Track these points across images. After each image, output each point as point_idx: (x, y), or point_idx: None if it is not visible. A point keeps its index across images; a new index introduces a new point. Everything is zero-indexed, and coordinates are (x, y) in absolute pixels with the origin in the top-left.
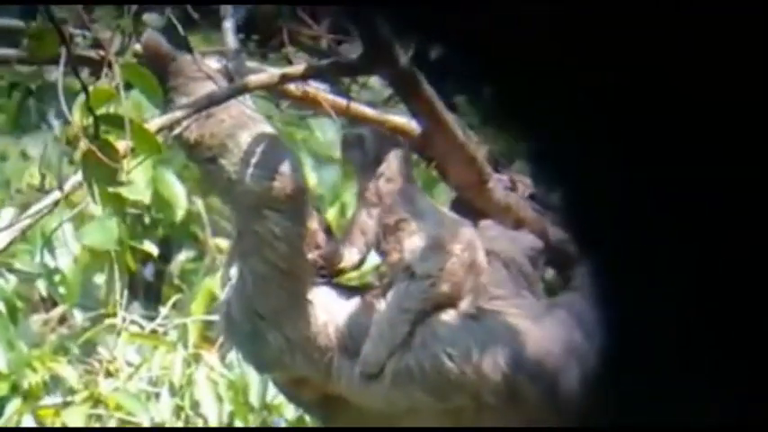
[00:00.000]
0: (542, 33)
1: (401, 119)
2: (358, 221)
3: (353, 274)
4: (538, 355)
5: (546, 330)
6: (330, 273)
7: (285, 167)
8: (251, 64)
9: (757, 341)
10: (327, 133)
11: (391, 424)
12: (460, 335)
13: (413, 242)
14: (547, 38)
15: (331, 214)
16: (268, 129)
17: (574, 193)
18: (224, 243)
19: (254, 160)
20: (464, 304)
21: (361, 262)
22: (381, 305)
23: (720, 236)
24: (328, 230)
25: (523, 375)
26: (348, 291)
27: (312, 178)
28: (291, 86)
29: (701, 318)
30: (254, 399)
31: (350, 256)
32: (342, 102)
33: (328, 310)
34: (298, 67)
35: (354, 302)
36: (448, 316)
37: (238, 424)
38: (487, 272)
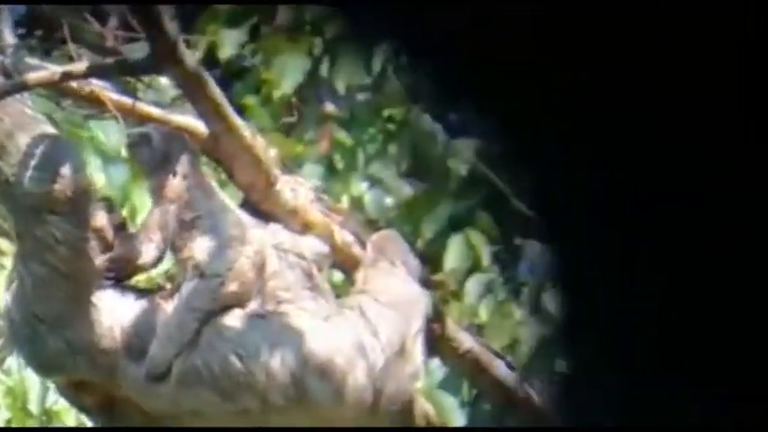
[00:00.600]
0: (519, 33)
1: (188, 120)
2: (154, 218)
3: (152, 272)
4: (326, 354)
5: (334, 330)
6: (125, 272)
7: (66, 169)
8: (32, 61)
9: (738, 340)
10: (113, 133)
11: (176, 425)
12: (249, 335)
13: (204, 241)
14: (523, 38)
15: (121, 215)
16: (49, 129)
17: (553, 193)
18: (4, 243)
19: (33, 162)
20: (252, 305)
21: (160, 259)
22: (170, 306)
23: (701, 235)
24: (122, 227)
25: (311, 374)
26: (137, 292)
27: (100, 178)
28: (74, 85)
29: (682, 317)
30: (33, 405)
31: (147, 253)
32: (127, 101)
33: (114, 312)
34: (80, 65)
35: (142, 303)
36: (236, 316)
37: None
38: (277, 274)
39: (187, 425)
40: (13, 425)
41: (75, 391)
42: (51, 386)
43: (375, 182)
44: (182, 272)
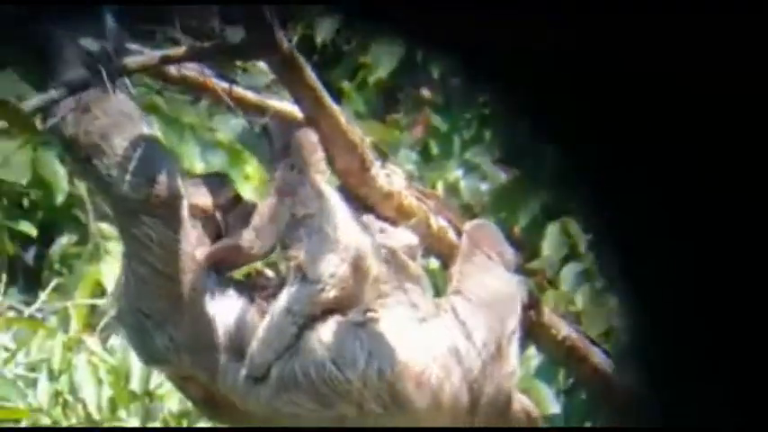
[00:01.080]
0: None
1: (284, 104)
2: (269, 209)
3: (257, 264)
4: (422, 361)
5: (429, 335)
6: (234, 261)
7: (161, 173)
8: (132, 46)
9: (755, 341)
10: (214, 121)
11: (272, 425)
12: (347, 343)
13: (311, 242)
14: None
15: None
16: (144, 129)
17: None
18: (107, 228)
19: (130, 166)
20: (353, 312)
21: (271, 250)
22: (271, 306)
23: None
24: (234, 204)
25: (407, 382)
26: (238, 286)
27: (199, 165)
28: (173, 70)
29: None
30: (135, 385)
31: (258, 244)
32: (224, 86)
33: (216, 309)
34: (179, 50)
35: (243, 302)
36: (335, 323)
37: (120, 410)
38: (379, 279)
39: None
40: (117, 404)
41: (180, 383)
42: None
43: (470, 168)
44: (286, 269)
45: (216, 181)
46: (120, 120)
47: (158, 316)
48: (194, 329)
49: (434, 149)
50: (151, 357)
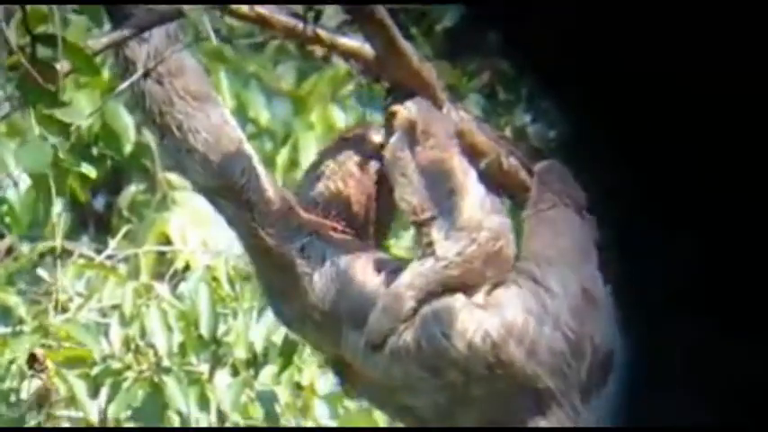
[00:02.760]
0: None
1: (355, 43)
2: (416, 183)
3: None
4: (520, 321)
5: (519, 299)
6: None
7: (228, 163)
8: None
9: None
10: (277, 69)
11: (391, 396)
12: (461, 319)
13: (443, 219)
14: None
15: (283, 154)
16: (219, 113)
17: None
18: (174, 178)
19: (201, 154)
20: (476, 295)
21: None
22: (393, 277)
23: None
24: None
25: (509, 342)
26: (358, 249)
27: (264, 115)
28: (244, 8)
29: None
30: (204, 331)
31: (421, 210)
32: (295, 23)
33: (336, 277)
34: None
35: (368, 270)
36: (455, 301)
37: (190, 356)
38: (508, 260)
39: (399, 396)
40: (187, 349)
41: (317, 347)
42: (221, 315)
43: (538, 114)
44: (419, 242)
45: (350, 145)
46: (192, 103)
47: (277, 290)
48: (312, 301)
49: (501, 95)
50: (286, 326)
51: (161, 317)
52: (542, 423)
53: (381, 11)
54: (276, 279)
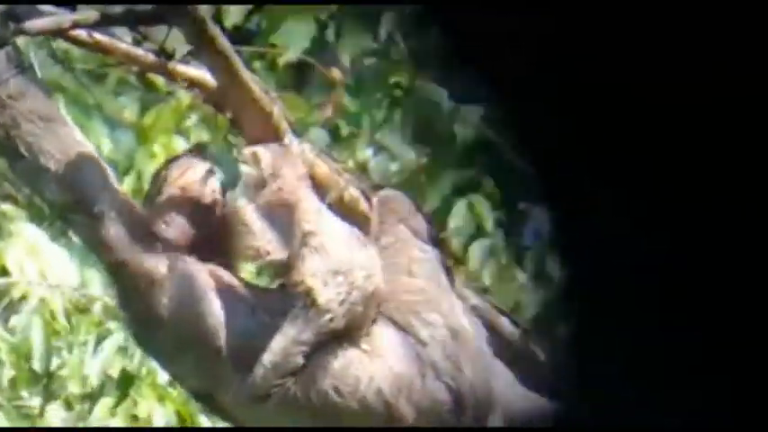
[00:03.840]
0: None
1: (198, 72)
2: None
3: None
4: (408, 375)
5: (405, 350)
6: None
7: (82, 179)
8: (44, 7)
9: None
10: (120, 100)
11: None
12: (350, 370)
13: (315, 262)
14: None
15: (127, 183)
16: (63, 131)
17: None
18: (9, 208)
19: (49, 174)
20: (359, 339)
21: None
22: (276, 327)
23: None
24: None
25: (400, 398)
26: (243, 293)
27: (106, 144)
28: (83, 35)
29: (678, 280)
30: (36, 365)
31: (277, 251)
32: (137, 52)
33: (221, 315)
34: (90, 14)
35: (248, 312)
36: (340, 347)
37: (20, 390)
38: (385, 296)
39: None
40: (18, 383)
41: (177, 378)
42: (55, 349)
43: (380, 148)
44: (292, 290)
45: (191, 156)
46: (42, 125)
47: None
48: (195, 335)
49: (344, 129)
50: (159, 360)
51: None
52: None
53: (222, 40)
54: (141, 303)
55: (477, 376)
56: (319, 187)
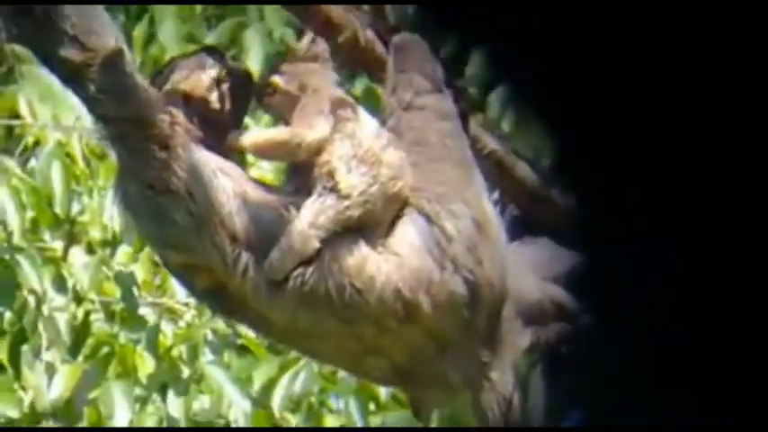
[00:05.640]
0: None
1: None
2: (306, 106)
3: None
4: (427, 269)
5: (419, 243)
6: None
7: (96, 27)
8: None
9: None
10: None
11: (290, 336)
12: (366, 266)
13: (344, 146)
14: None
15: (140, 28)
16: None
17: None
18: (22, 50)
19: (65, 23)
20: (375, 234)
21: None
22: (296, 211)
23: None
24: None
25: (419, 294)
26: (256, 186)
27: None
28: None
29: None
30: (58, 209)
31: (308, 139)
32: None
33: (237, 199)
34: None
35: (268, 198)
36: (360, 247)
37: (43, 234)
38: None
39: (300, 340)
40: (40, 226)
41: (187, 273)
42: (75, 193)
43: None
44: (317, 171)
45: (202, 58)
46: None
47: (171, 186)
48: (216, 208)
49: None
50: (165, 240)
51: (11, 193)
52: (451, 369)
53: None
54: (152, 169)
55: (495, 269)
56: (333, 28)
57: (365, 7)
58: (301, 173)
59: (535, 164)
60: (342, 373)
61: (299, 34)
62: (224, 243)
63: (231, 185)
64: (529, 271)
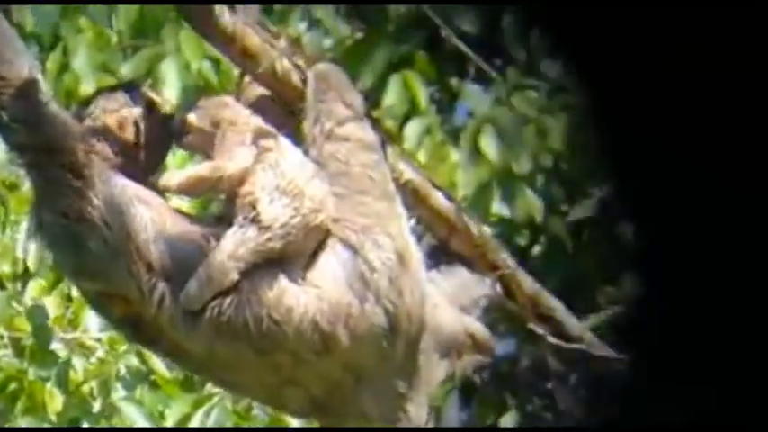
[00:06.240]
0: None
1: None
2: (226, 138)
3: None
4: (345, 302)
5: (340, 273)
6: (202, 191)
7: (9, 55)
8: None
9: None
10: None
11: (206, 367)
12: (284, 298)
13: (267, 177)
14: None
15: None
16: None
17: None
18: None
19: None
20: (296, 269)
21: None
22: (216, 241)
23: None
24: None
25: (337, 326)
26: (176, 215)
27: (29, 19)
28: None
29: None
30: None
31: (228, 171)
32: None
33: (160, 225)
34: None
35: (189, 229)
36: (277, 276)
37: None
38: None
39: (217, 371)
40: None
41: (104, 301)
42: None
43: (314, 22)
44: (239, 202)
45: (127, 93)
46: None
47: (86, 215)
48: (126, 237)
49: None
50: (81, 269)
51: None
52: (368, 402)
53: None
54: (67, 197)
55: (415, 300)
56: (250, 59)
57: (283, 38)
58: (229, 203)
59: (449, 194)
60: (256, 410)
61: (217, 66)
62: (140, 272)
63: (149, 214)
64: (445, 302)
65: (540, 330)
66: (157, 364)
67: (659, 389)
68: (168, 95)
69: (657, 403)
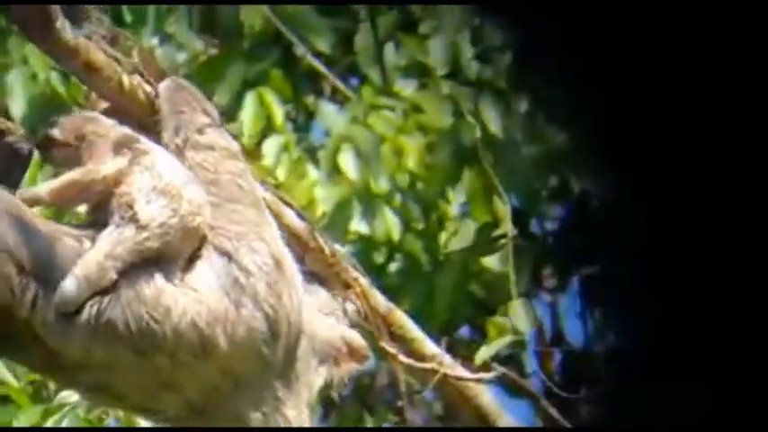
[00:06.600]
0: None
1: None
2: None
3: None
4: (223, 305)
5: (216, 279)
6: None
7: None
8: None
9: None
10: None
11: (82, 371)
12: (163, 298)
13: (144, 178)
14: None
15: None
16: None
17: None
18: None
19: None
20: (173, 271)
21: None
22: (90, 243)
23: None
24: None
25: (216, 328)
26: (45, 221)
27: None
28: None
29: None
30: None
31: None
32: None
33: (32, 227)
34: None
35: (62, 231)
36: (154, 276)
37: None
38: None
39: (93, 375)
40: None
41: None
42: None
43: (166, 37)
44: (115, 203)
45: None
46: None
47: None
48: None
49: (127, 16)
50: None
51: None
52: (246, 407)
53: None
54: None
55: (293, 305)
56: (93, 72)
57: (134, 53)
58: (99, 209)
59: (301, 213)
60: (110, 419)
61: (65, 77)
62: (11, 273)
63: (21, 216)
64: (317, 311)
65: (392, 349)
66: (6, 375)
67: (650, 390)
68: (15, 106)
69: (648, 404)
